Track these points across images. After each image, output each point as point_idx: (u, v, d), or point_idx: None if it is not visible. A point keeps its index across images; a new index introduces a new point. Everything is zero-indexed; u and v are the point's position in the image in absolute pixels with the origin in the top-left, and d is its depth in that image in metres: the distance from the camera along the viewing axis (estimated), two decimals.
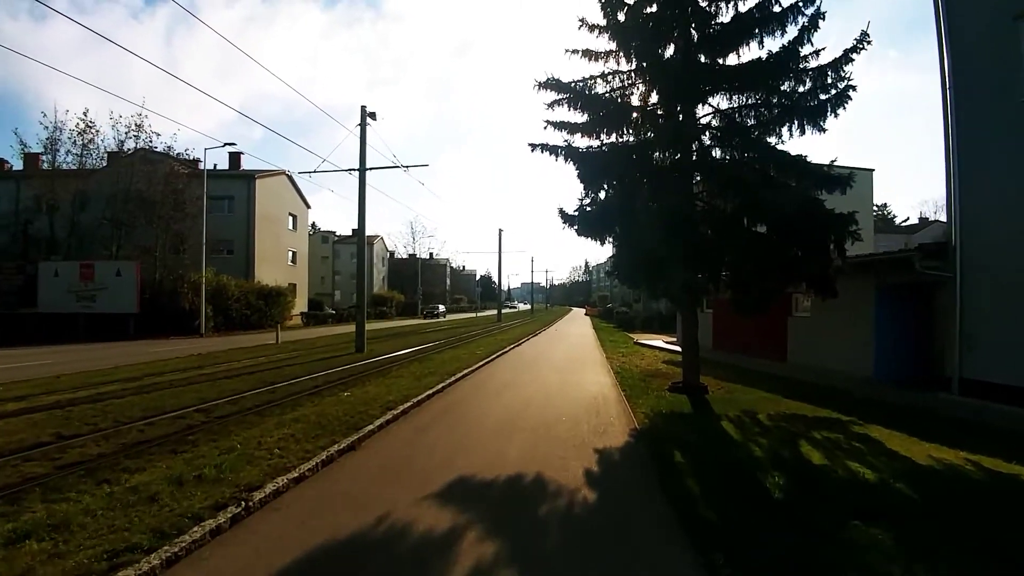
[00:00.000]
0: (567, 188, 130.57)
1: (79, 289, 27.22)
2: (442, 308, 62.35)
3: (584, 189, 10.74)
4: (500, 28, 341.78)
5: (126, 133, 31.00)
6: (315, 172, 18.08)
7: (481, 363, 14.40)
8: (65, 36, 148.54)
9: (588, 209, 10.72)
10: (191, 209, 30.00)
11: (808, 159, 8.97)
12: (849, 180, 8.41)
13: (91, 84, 75.83)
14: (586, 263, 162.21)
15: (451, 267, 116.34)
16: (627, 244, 10.21)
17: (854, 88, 8.56)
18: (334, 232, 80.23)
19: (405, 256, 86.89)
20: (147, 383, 11.05)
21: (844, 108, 8.68)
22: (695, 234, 10.16)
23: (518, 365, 14.81)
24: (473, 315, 64.52)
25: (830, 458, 5.93)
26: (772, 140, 9.62)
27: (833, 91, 8.80)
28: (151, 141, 31.63)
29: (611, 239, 11.06)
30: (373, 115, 17.76)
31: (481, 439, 6.53)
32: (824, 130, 8.98)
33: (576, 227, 11.06)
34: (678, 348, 18.47)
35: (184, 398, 9.22)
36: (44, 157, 32.71)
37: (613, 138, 10.51)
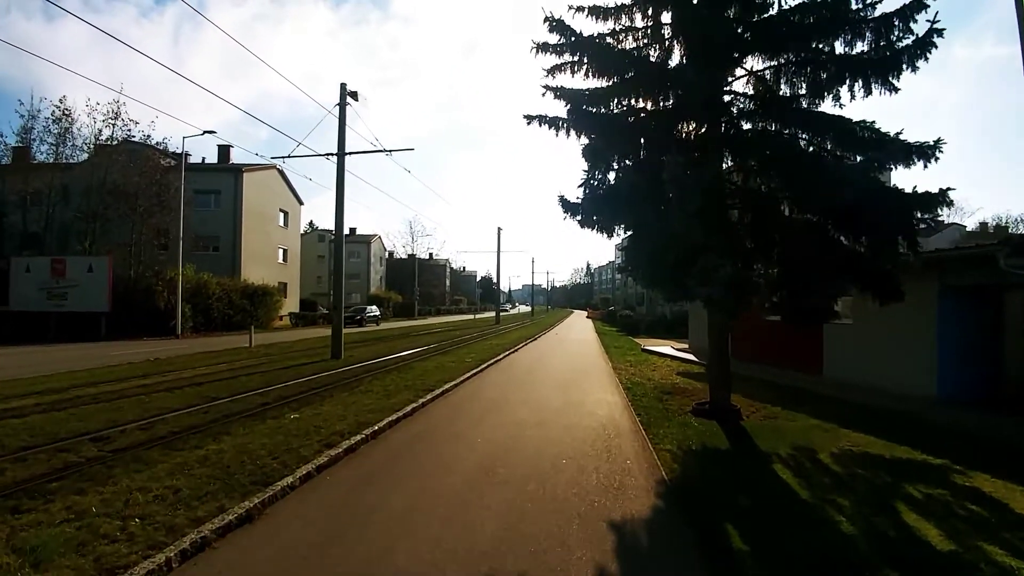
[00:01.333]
0: (567, 178, 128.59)
1: (51, 286, 25.42)
2: (375, 311, 47.42)
3: (589, 168, 8.90)
4: (506, 27, 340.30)
5: (103, 121, 29.26)
6: (289, 157, 16.26)
7: (468, 374, 12.51)
8: (76, 35, 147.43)
9: (596, 192, 8.87)
10: (173, 203, 28.23)
11: (877, 125, 7.07)
12: (936, 148, 6.48)
13: (99, 83, 74.25)
14: (588, 265, 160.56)
15: (451, 268, 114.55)
16: (646, 233, 8.34)
17: (940, 33, 6.65)
18: (332, 231, 78.44)
19: (404, 256, 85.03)
20: (67, 397, 9.20)
21: (926, 59, 6.78)
22: (730, 223, 8.30)
23: (511, 377, 12.92)
24: (471, 317, 62.52)
25: (953, 536, 4.03)
26: (824, 106, 7.77)
27: (909, 38, 6.90)
28: (129, 130, 29.87)
29: (621, 228, 9.20)
30: (354, 95, 15.94)
31: (444, 501, 4.59)
32: (896, 89, 7.10)
33: (580, 216, 9.24)
34: (692, 356, 16.70)
35: (92, 420, 7.38)
36: (29, 149, 30.99)
37: (628, 105, 8.66)
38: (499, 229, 42.90)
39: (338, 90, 15.84)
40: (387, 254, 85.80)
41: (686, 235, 6.70)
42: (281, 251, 42.01)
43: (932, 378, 9.67)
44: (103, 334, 24.28)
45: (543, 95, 8.82)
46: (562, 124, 8.75)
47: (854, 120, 7.26)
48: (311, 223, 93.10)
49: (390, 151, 16.09)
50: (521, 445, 6.70)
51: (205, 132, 24.34)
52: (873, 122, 7.13)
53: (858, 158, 7.16)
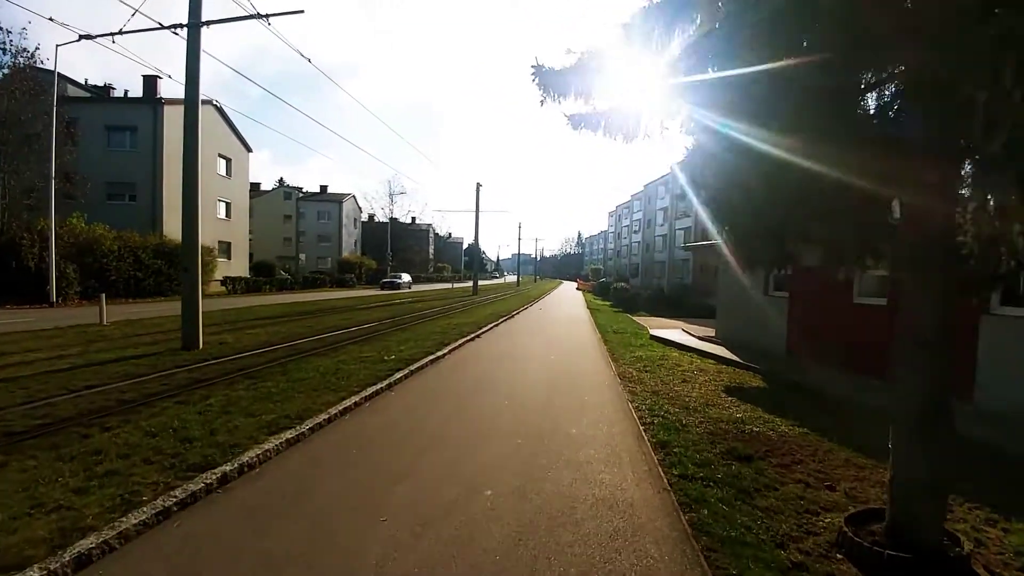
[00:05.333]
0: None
1: None
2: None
3: None
4: None
5: None
6: (122, 33, 10.54)
7: (373, 389, 7.19)
8: None
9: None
10: (81, 141, 22.20)
11: None
12: None
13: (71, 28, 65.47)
14: (579, 235, 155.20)
15: (435, 233, 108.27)
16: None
17: None
18: (300, 188, 71.84)
19: (385, 220, 78.59)
20: None
21: None
22: None
23: (443, 404, 7.67)
24: (449, 286, 57.04)
25: None
26: None
27: None
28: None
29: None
30: None
31: None
32: None
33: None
34: (723, 349, 11.11)
35: None
36: None
37: None
38: (478, 185, 37.11)
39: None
40: (367, 217, 79.38)
41: None
42: (222, 205, 35.93)
43: None
44: None
45: None
46: None
47: None
48: (280, 180, 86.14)
49: (267, 16, 10.31)
50: None
51: (82, 37, 18.38)
52: None
53: None
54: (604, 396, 7.52)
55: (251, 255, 57.38)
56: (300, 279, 43.68)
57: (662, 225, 60.04)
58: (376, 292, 40.43)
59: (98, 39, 15.22)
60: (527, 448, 5.07)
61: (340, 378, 7.52)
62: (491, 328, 15.74)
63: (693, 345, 12.87)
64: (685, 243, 46.06)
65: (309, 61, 12.84)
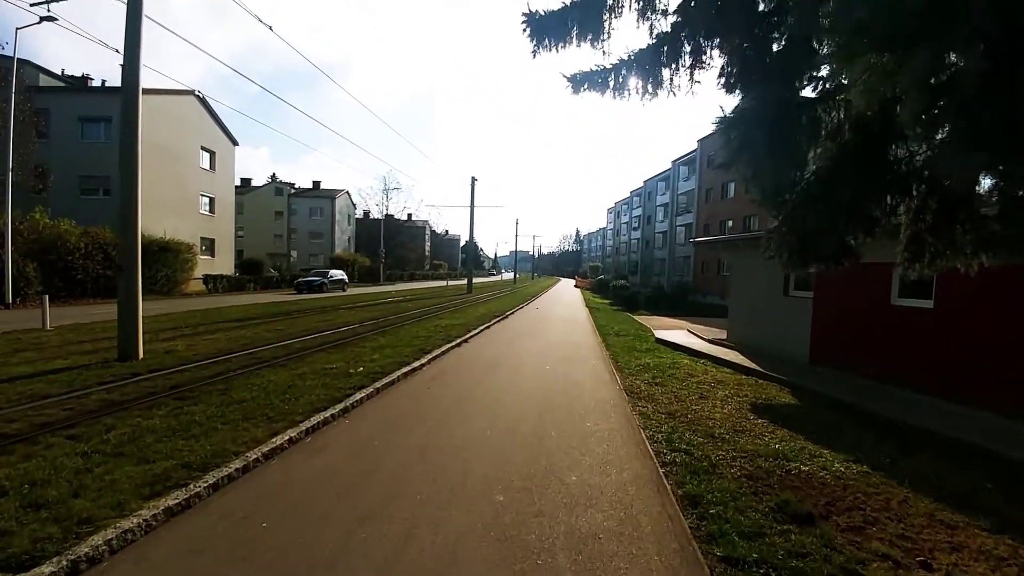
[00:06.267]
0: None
1: None
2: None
3: None
4: None
5: None
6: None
7: (321, 418, 5.83)
8: None
9: None
10: (52, 134, 20.64)
11: None
12: None
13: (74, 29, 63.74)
14: (577, 232, 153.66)
15: (432, 230, 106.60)
16: None
17: None
18: (293, 184, 70.16)
19: (381, 216, 76.86)
20: None
21: None
22: None
23: (407, 436, 6.35)
24: (444, 284, 55.58)
25: None
26: None
27: None
28: None
29: None
30: None
31: None
32: None
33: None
34: (740, 356, 9.48)
35: None
36: None
37: None
38: (473, 179, 35.63)
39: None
40: (361, 214, 77.78)
41: None
42: (205, 200, 34.44)
43: None
44: None
45: None
46: None
47: None
48: (273, 175, 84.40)
49: None
50: None
51: (43, 19, 16.97)
52: None
53: None
54: (610, 420, 6.18)
55: (241, 252, 55.92)
56: (288, 277, 42.16)
57: (662, 222, 58.70)
58: (372, 289, 38.87)
59: (60, 23, 13.99)
60: (510, 512, 3.72)
61: (287, 399, 6.17)
62: (481, 331, 14.40)
63: (704, 350, 11.55)
64: (691, 239, 44.78)
65: (306, 59, 11.45)
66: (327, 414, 5.58)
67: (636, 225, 72.22)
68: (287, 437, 4.76)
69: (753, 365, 9.62)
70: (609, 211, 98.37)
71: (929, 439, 5.76)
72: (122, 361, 8.42)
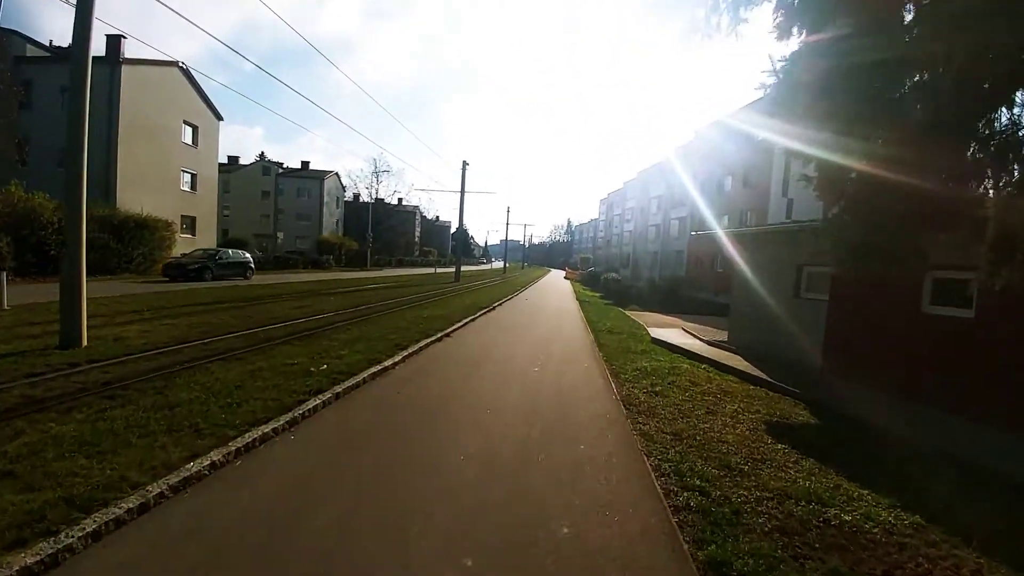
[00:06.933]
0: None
1: None
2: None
3: None
4: None
5: None
6: None
7: (261, 432, 4.93)
8: None
9: None
10: (35, 104, 19.06)
11: None
12: None
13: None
14: (568, 222, 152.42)
15: (422, 216, 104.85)
16: None
17: None
18: (281, 164, 68.26)
19: (371, 200, 75.02)
20: None
21: None
22: None
23: (361, 461, 5.45)
24: (432, 271, 54.38)
25: None
26: None
27: None
28: None
29: None
30: None
31: None
32: None
33: None
34: (744, 363, 8.73)
35: None
36: None
37: None
38: (464, 163, 34.43)
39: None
40: (351, 196, 75.95)
41: None
42: (187, 176, 32.96)
43: None
44: None
45: None
46: None
47: None
48: (261, 154, 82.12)
49: None
50: None
51: None
52: None
53: None
54: (607, 443, 5.29)
55: (226, 231, 54.32)
56: (272, 258, 40.82)
57: (655, 214, 57.76)
58: (356, 274, 37.67)
59: None
60: None
61: (229, 405, 5.24)
62: (465, 324, 13.47)
63: (705, 353, 10.73)
64: (688, 232, 43.97)
65: (302, 37, 10.29)
66: (269, 428, 4.67)
67: (629, 217, 71.24)
68: (209, 461, 3.83)
69: (761, 374, 8.80)
70: (602, 202, 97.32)
71: (984, 477, 4.93)
72: (63, 349, 7.44)
